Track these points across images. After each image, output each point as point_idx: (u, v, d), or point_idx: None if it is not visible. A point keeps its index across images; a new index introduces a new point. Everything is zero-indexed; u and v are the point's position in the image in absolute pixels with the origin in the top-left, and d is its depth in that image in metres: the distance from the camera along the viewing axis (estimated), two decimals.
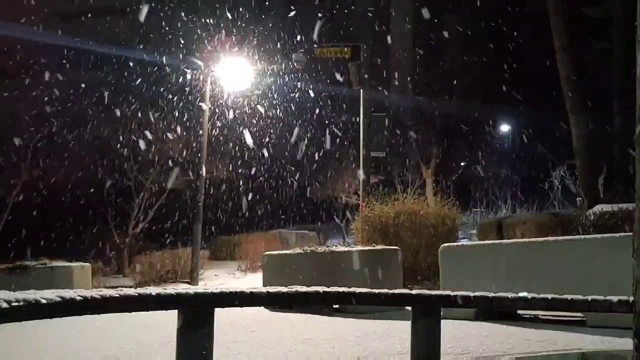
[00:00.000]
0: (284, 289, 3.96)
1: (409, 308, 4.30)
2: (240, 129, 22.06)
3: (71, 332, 7.41)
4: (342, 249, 10.33)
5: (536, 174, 27.01)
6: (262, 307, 8.21)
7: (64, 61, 19.82)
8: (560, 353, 5.58)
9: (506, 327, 6.94)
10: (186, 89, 19.84)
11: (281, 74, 22.06)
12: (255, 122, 22.80)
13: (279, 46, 21.89)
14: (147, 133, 19.49)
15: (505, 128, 32.60)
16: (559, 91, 16.21)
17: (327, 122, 24.82)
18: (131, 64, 20.51)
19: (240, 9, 21.84)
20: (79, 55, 20.04)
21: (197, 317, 3.40)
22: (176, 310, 3.39)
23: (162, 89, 20.22)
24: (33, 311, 2.66)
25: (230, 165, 22.47)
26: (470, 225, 24.76)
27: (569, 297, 4.34)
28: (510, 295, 4.42)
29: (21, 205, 18.88)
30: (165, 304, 3.30)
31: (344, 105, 23.72)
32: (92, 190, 19.78)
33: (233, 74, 17.72)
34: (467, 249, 9.11)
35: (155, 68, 20.58)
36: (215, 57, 17.36)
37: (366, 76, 18.92)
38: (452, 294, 4.30)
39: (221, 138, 21.43)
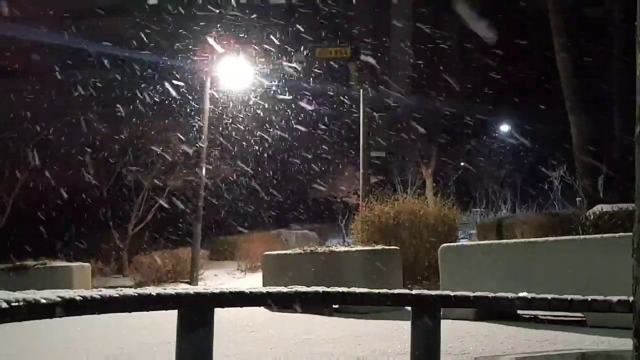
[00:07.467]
0: (284, 289, 3.96)
1: (409, 308, 4.31)
2: (241, 129, 22.06)
3: (71, 332, 7.41)
4: (342, 249, 10.34)
5: (536, 174, 27.03)
6: (262, 307, 8.21)
7: (63, 61, 19.80)
8: (560, 353, 5.59)
9: (506, 327, 6.94)
10: (186, 89, 19.83)
11: (281, 74, 22.05)
12: (255, 122, 22.79)
13: (279, 46, 21.87)
14: (147, 133, 19.49)
15: (505, 128, 32.58)
16: (559, 91, 16.21)
17: (327, 122, 24.81)
18: (131, 64, 20.49)
19: (240, 10, 21.83)
20: (79, 56, 20.00)
21: (197, 317, 3.40)
22: (176, 310, 3.39)
23: (162, 89, 20.21)
24: (33, 311, 2.65)
25: (231, 166, 22.46)
26: (471, 225, 24.78)
27: (569, 297, 4.34)
28: (510, 295, 4.42)
29: (21, 205, 18.87)
30: (165, 304, 3.30)
31: (344, 105, 23.72)
32: (92, 190, 19.78)
33: (233, 74, 17.73)
34: (467, 249, 9.12)
35: (156, 68, 20.58)
36: (215, 58, 17.35)
37: (366, 76, 18.92)
38: (452, 294, 4.30)
39: (221, 138, 21.41)
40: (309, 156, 24.81)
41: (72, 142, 19.54)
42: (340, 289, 4.14)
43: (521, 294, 4.41)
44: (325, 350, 6.02)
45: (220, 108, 20.82)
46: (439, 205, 13.35)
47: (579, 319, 6.95)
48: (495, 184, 29.46)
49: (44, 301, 2.67)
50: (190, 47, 19.40)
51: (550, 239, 7.85)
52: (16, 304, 2.55)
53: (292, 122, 23.52)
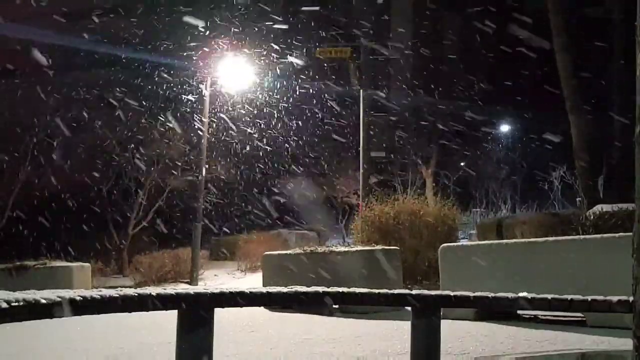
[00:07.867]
0: (284, 289, 3.95)
1: (409, 308, 4.30)
2: (241, 129, 22.06)
3: (71, 332, 7.41)
4: (342, 249, 10.34)
5: (536, 174, 27.04)
6: (262, 307, 8.21)
7: (63, 61, 19.82)
8: (560, 353, 5.58)
9: (506, 327, 6.94)
10: (186, 89, 19.82)
11: (282, 74, 22.06)
12: (255, 122, 22.79)
13: (279, 47, 21.88)
14: (147, 133, 19.49)
15: (505, 128, 32.61)
16: (559, 91, 16.20)
17: (327, 122, 24.82)
18: (131, 64, 20.51)
19: (240, 10, 21.85)
20: (78, 56, 20.03)
21: (197, 317, 3.40)
22: (176, 310, 3.38)
23: (162, 89, 20.22)
24: (33, 311, 2.65)
25: (231, 166, 22.47)
26: (471, 225, 24.81)
27: (569, 297, 4.33)
28: (510, 295, 4.41)
29: (21, 206, 18.88)
30: (165, 304, 3.29)
31: (345, 106, 23.72)
32: (92, 190, 19.79)
33: (233, 74, 17.73)
34: (467, 249, 9.11)
35: (156, 68, 20.59)
36: (215, 58, 17.36)
37: (365, 76, 18.93)
38: (452, 294, 4.30)
39: (222, 138, 21.42)
40: (310, 156, 24.81)
41: (72, 142, 19.54)
42: (340, 289, 4.13)
43: (521, 294, 4.40)
44: (325, 350, 6.02)
45: (220, 108, 20.83)
46: (439, 205, 13.34)
47: (579, 319, 6.95)
48: (495, 184, 29.48)
49: (44, 301, 2.67)
50: (192, 47, 19.41)
51: (550, 239, 7.85)
52: (16, 304, 2.54)
53: (293, 122, 23.53)
